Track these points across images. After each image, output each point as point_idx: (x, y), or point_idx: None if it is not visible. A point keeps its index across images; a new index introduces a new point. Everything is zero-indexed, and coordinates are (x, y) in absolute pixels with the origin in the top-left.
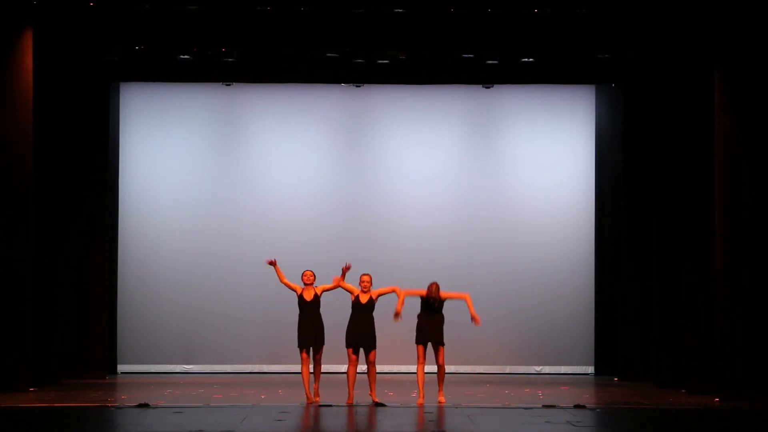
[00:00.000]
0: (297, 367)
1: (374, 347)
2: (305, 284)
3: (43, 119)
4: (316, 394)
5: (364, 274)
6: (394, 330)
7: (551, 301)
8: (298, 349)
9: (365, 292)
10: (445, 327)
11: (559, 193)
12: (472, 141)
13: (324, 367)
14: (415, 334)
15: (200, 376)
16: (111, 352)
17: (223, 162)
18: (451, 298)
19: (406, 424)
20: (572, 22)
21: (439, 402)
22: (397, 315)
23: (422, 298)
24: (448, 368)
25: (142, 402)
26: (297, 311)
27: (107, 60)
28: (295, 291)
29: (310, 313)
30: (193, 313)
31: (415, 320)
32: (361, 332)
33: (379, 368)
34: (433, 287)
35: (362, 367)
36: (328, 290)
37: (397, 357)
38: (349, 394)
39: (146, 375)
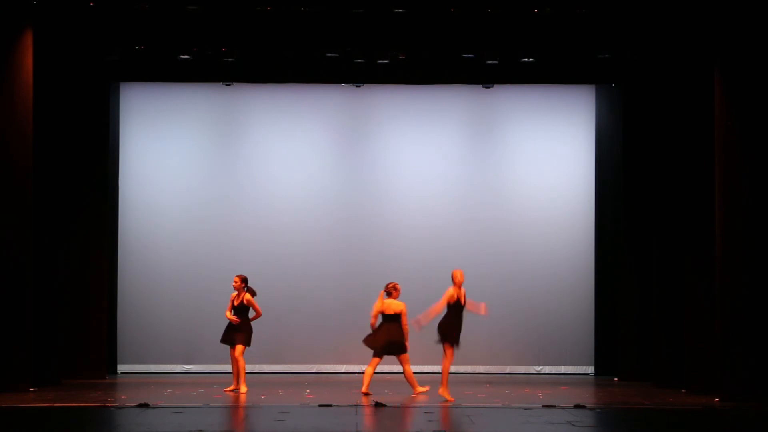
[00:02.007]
0: (297, 367)
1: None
2: (235, 289)
3: (43, 119)
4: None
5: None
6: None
7: (551, 301)
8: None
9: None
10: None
11: (559, 193)
12: (472, 141)
13: (323, 367)
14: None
15: (200, 376)
16: (111, 352)
17: (223, 162)
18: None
19: (406, 423)
20: (572, 22)
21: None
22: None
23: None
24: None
25: (142, 402)
26: (296, 312)
27: (107, 60)
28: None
29: (238, 315)
30: (193, 313)
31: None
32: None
33: (379, 368)
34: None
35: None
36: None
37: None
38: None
39: (146, 375)
